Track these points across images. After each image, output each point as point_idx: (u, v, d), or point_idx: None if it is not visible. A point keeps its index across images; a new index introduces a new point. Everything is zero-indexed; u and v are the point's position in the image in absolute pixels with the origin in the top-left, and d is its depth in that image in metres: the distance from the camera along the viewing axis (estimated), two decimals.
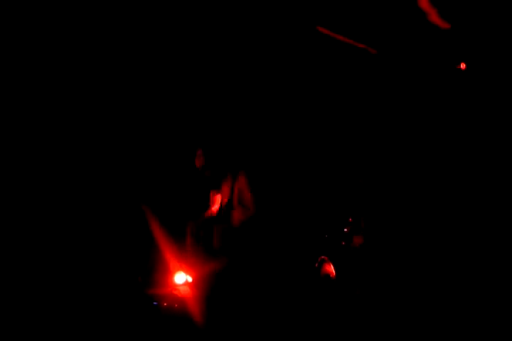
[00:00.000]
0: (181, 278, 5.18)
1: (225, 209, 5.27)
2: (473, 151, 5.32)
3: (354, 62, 5.94)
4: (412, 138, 5.64)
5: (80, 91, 5.48)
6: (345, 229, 5.44)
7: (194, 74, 5.95)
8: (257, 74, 5.99)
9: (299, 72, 6.01)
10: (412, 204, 5.33)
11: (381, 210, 5.41)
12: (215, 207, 5.27)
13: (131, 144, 5.84)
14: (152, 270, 5.29)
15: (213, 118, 5.96)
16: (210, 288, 5.21)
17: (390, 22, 5.72)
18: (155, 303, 5.04)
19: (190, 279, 5.19)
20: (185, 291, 5.13)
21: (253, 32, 5.81)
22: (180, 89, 5.96)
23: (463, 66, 5.36)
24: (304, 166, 5.86)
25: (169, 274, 5.19)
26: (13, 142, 5.24)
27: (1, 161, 5.24)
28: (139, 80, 5.80)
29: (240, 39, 5.81)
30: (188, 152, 5.82)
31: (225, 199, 5.27)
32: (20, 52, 5.10)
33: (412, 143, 5.60)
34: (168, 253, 5.27)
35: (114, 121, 5.77)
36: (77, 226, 5.34)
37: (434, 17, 5.63)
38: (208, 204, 5.32)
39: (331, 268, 5.39)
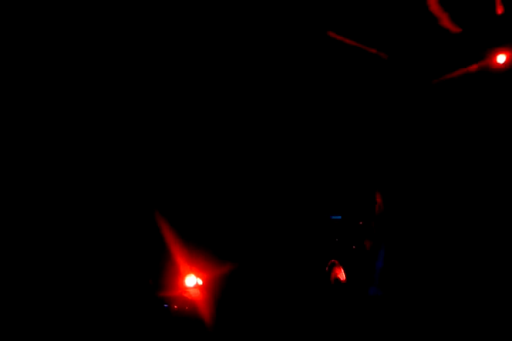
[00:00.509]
0: (192, 280, 5.21)
1: None
2: (484, 155, 5.30)
3: (365, 67, 5.95)
4: (422, 141, 5.63)
5: (85, 92, 5.49)
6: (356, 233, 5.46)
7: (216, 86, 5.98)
8: (269, 79, 6.01)
9: (310, 77, 6.03)
10: (421, 207, 5.32)
11: (390, 214, 5.41)
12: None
13: (150, 146, 5.88)
14: (163, 273, 5.32)
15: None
16: (221, 291, 5.25)
17: (400, 27, 5.73)
18: (165, 306, 5.08)
19: (200, 282, 5.23)
20: (195, 294, 5.16)
21: (264, 37, 5.84)
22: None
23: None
24: (314, 172, 5.87)
25: (180, 277, 5.23)
26: (22, 144, 5.27)
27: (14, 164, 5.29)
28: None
29: (251, 45, 5.84)
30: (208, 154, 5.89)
31: None
32: (20, 52, 5.11)
33: (422, 147, 5.59)
34: (179, 256, 5.30)
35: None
36: (89, 229, 5.39)
37: (445, 21, 5.63)
38: None
39: (341, 272, 5.40)
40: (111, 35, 5.34)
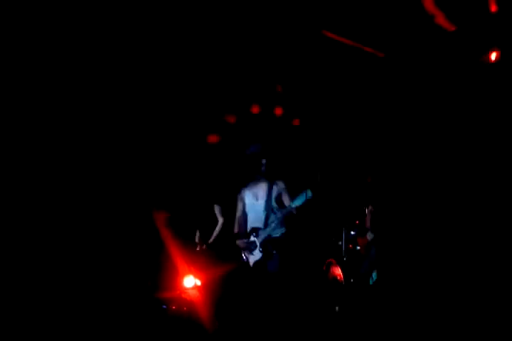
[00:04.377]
0: (190, 281, 5.26)
1: None
2: (478, 151, 5.31)
3: (361, 66, 5.96)
4: (418, 139, 5.64)
5: (83, 92, 5.50)
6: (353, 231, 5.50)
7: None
8: (264, 77, 6.03)
9: (306, 76, 6.04)
10: (417, 205, 5.35)
11: (386, 211, 5.43)
12: None
13: (145, 146, 5.90)
14: (161, 273, 5.37)
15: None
16: (219, 292, 5.29)
17: (396, 25, 5.73)
18: (164, 307, 5.13)
19: (199, 283, 5.28)
20: (194, 295, 5.21)
21: (259, 35, 5.84)
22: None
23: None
24: (311, 169, 5.88)
25: (178, 278, 5.28)
26: (19, 144, 5.29)
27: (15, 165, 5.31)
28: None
29: (246, 43, 5.85)
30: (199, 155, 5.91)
31: None
32: (20, 53, 5.12)
33: (417, 145, 5.61)
34: (178, 256, 5.35)
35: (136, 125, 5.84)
36: (88, 230, 5.42)
37: (440, 19, 5.62)
38: None
39: (338, 271, 5.43)
40: (111, 34, 5.33)
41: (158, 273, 5.38)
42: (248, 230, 5.03)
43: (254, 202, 5.03)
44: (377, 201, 5.55)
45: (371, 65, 5.91)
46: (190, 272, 5.28)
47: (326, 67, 5.98)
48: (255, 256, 4.94)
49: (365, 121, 6.05)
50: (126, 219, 5.57)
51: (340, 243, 5.51)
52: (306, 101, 6.18)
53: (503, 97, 5.27)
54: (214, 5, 5.54)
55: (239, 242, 4.99)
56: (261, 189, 5.04)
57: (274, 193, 5.00)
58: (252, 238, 4.95)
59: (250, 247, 4.94)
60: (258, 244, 4.93)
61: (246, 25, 5.74)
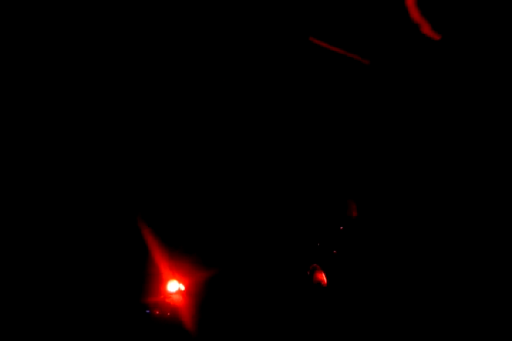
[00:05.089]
0: (174, 286, 5.23)
1: None
2: (468, 161, 5.37)
3: (347, 73, 6.00)
4: (405, 147, 5.69)
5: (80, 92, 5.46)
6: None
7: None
8: (249, 84, 6.03)
9: (291, 83, 6.06)
10: (405, 208, 5.39)
11: (373, 215, 5.47)
12: None
13: (130, 151, 5.87)
14: (145, 278, 5.33)
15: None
16: (203, 297, 5.26)
17: (382, 33, 5.79)
18: (147, 311, 5.09)
19: (183, 287, 5.25)
20: (177, 299, 5.18)
21: (245, 42, 5.86)
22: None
23: None
24: (295, 173, 5.90)
25: (162, 282, 5.24)
26: (12, 143, 5.23)
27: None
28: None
29: (231, 50, 5.86)
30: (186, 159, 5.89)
31: None
32: (20, 53, 5.08)
33: (405, 152, 5.66)
34: (161, 261, 5.31)
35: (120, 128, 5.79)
36: (72, 234, 5.37)
37: (425, 28, 5.70)
38: None
39: (322, 276, 5.44)
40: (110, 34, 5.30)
41: (141, 278, 5.33)
42: None
43: None
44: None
45: (356, 72, 5.95)
46: (174, 276, 5.24)
47: (312, 74, 6.01)
48: None
49: (351, 129, 6.08)
50: (109, 223, 5.52)
51: (324, 248, 5.53)
52: (292, 109, 6.19)
53: (489, 107, 5.35)
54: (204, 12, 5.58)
55: None
56: None
57: None
58: None
59: None
60: None
61: (232, 32, 5.77)
